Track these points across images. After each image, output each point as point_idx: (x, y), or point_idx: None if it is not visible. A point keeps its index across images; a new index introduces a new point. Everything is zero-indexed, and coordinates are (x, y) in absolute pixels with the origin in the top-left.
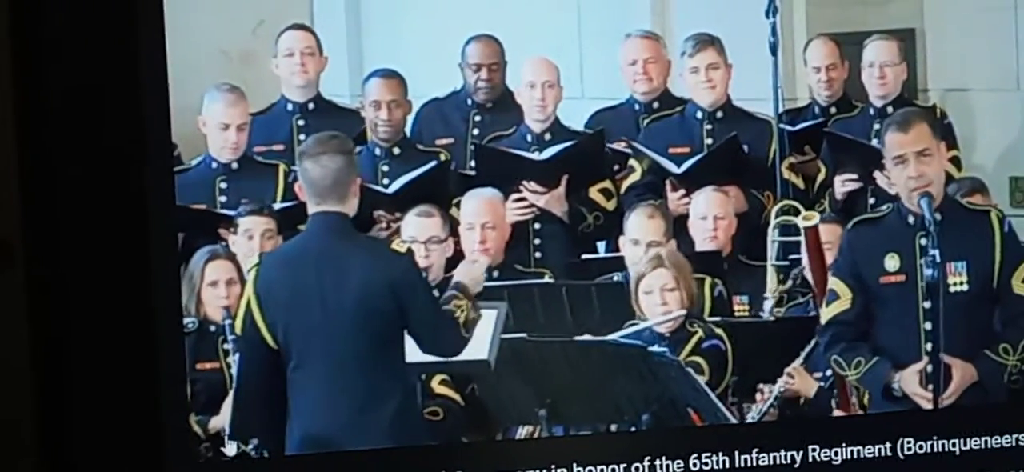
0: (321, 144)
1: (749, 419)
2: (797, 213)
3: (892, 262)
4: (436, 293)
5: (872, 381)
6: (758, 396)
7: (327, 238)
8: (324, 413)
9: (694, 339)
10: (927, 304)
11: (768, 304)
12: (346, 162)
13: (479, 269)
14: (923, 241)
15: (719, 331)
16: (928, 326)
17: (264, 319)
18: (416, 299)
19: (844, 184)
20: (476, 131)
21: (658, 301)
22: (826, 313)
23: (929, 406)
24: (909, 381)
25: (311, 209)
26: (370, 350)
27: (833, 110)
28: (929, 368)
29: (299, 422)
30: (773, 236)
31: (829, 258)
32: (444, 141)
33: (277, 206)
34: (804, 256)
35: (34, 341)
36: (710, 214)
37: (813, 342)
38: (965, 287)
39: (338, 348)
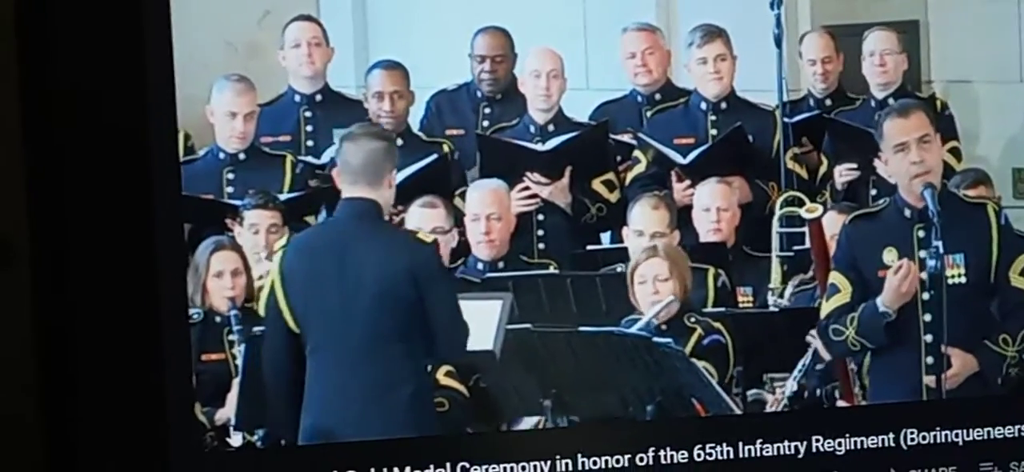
0: (362, 127)
1: (780, 394)
2: (802, 204)
3: (890, 255)
4: None
5: (870, 323)
6: (770, 398)
7: (353, 223)
8: (336, 399)
9: (694, 336)
10: (926, 295)
11: (789, 290)
12: (384, 148)
13: None
14: (921, 233)
15: (717, 324)
16: (927, 317)
17: (287, 302)
18: (435, 291)
19: (842, 174)
20: (486, 122)
21: (651, 290)
22: (827, 306)
23: (910, 281)
24: (888, 291)
25: (343, 194)
26: (387, 336)
27: (828, 103)
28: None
29: (311, 408)
30: (777, 227)
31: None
32: (455, 132)
33: (283, 196)
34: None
35: (38, 332)
36: (713, 206)
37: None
38: (963, 279)
39: (355, 333)
